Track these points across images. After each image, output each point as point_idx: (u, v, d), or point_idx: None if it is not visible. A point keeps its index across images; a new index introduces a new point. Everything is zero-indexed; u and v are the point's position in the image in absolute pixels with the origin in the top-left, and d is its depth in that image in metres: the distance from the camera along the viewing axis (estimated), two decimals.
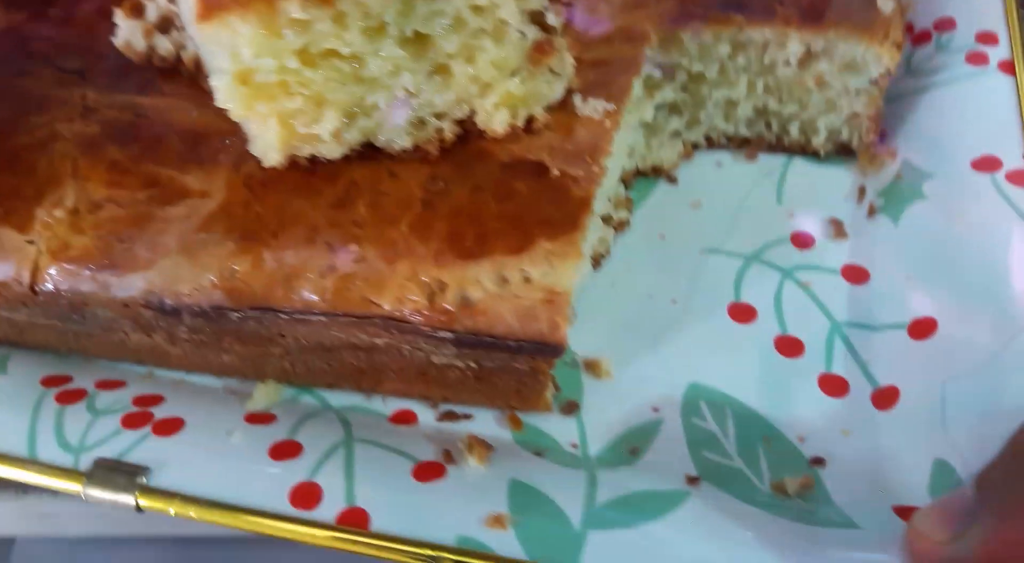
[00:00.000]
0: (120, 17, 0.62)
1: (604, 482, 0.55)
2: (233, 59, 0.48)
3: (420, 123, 0.55)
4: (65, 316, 0.59)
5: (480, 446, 0.55)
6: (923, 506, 0.51)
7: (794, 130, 0.72)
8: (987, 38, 0.72)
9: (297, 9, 0.46)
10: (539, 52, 0.54)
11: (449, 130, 0.56)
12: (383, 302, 0.53)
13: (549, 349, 0.52)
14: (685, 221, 0.71)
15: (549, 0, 0.52)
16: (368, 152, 0.56)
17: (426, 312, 0.53)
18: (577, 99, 0.58)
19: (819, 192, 0.72)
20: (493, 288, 0.52)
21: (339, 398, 0.63)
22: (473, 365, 0.56)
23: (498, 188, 0.55)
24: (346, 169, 0.56)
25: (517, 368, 0.56)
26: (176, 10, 0.62)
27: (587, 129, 0.58)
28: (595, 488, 0.54)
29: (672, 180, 0.73)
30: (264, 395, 0.61)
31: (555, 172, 0.55)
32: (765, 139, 0.74)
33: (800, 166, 0.74)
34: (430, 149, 0.56)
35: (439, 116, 0.55)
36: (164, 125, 0.59)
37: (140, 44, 0.61)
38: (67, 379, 0.62)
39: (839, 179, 0.72)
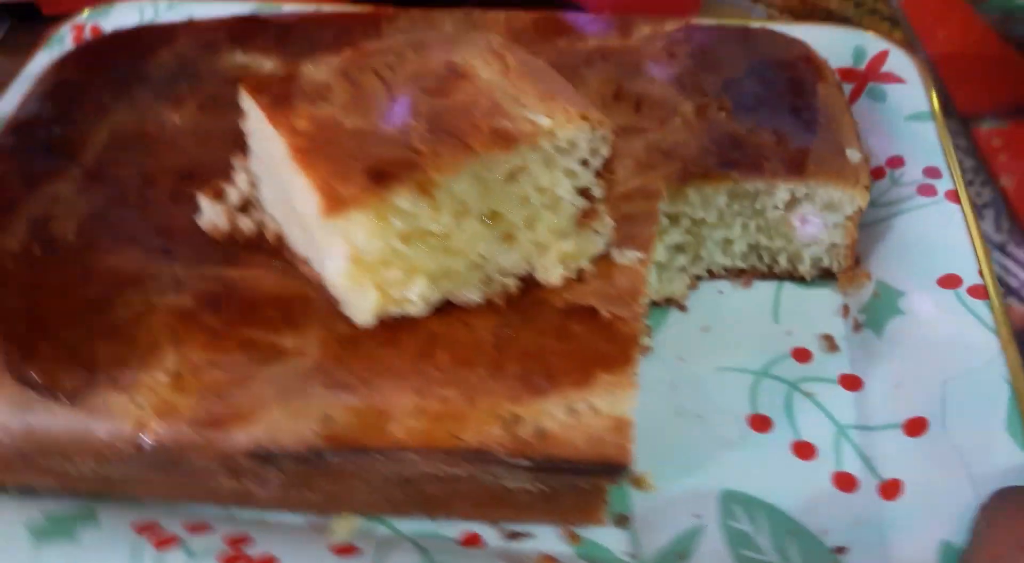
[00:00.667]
0: (204, 201, 0.73)
1: None
2: (347, 243, 0.60)
3: (489, 280, 0.68)
4: (161, 468, 0.68)
5: None
6: None
7: (783, 260, 0.88)
8: (932, 172, 0.90)
9: (405, 202, 0.59)
10: (586, 217, 0.68)
11: (512, 284, 0.69)
12: (467, 437, 0.64)
13: (616, 469, 0.64)
14: (698, 344, 0.84)
15: (595, 176, 0.67)
16: (443, 306, 0.68)
17: (507, 444, 0.64)
18: (614, 250, 0.72)
19: (810, 312, 0.87)
20: (564, 418, 0.64)
21: (408, 525, 0.72)
22: (542, 487, 0.67)
23: (558, 331, 0.67)
24: (424, 322, 0.67)
25: (581, 487, 0.67)
26: (256, 193, 0.74)
27: (624, 275, 0.71)
28: None
29: (683, 308, 0.87)
30: (343, 527, 0.71)
31: (605, 314, 0.68)
32: (758, 269, 0.89)
33: (790, 290, 0.89)
34: (497, 301, 0.68)
35: (504, 274, 0.68)
36: (253, 293, 0.69)
37: (223, 224, 0.73)
38: (156, 525, 0.70)
39: (826, 299, 0.88)
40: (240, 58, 0.92)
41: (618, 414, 0.64)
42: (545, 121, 0.63)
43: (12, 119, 0.86)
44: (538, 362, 0.66)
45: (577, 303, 0.69)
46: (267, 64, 0.91)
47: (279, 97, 0.66)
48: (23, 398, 0.65)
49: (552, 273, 0.68)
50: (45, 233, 0.74)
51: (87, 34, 1.03)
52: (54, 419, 0.65)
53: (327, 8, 1.03)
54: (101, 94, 0.87)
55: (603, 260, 0.71)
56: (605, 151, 0.66)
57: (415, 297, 0.65)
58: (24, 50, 1.01)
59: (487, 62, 0.69)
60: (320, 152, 0.62)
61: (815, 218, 0.85)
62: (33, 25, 1.15)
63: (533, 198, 0.65)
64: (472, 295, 0.68)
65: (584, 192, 0.67)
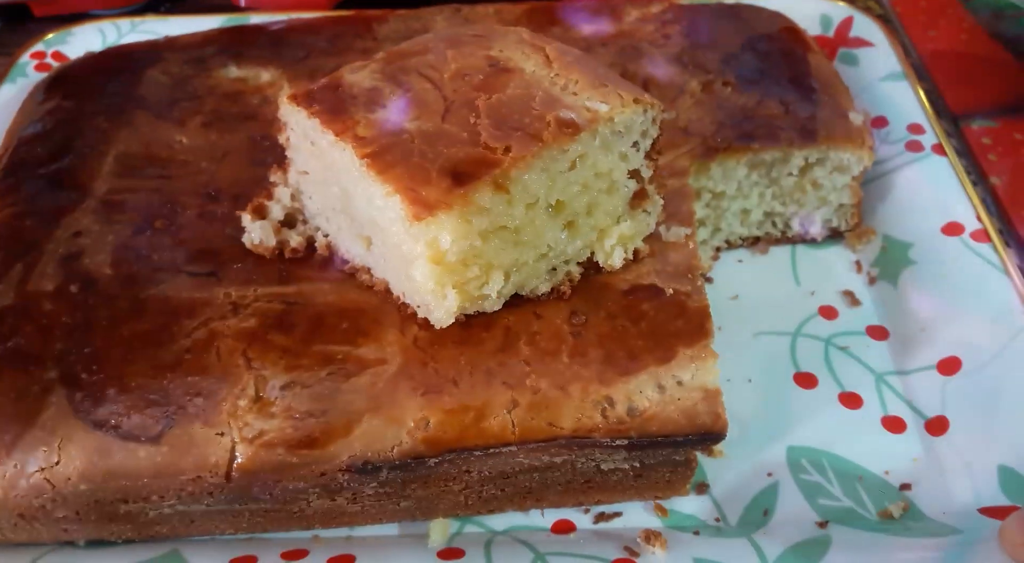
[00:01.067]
0: (247, 220, 0.72)
1: (763, 544, 0.69)
2: (431, 247, 0.60)
3: (554, 270, 0.70)
4: (248, 498, 0.67)
5: (656, 537, 0.69)
6: (1005, 507, 0.70)
7: (795, 224, 0.93)
8: (916, 129, 0.97)
9: (486, 200, 0.61)
10: (638, 198, 0.71)
11: (576, 272, 0.71)
12: (564, 424, 0.66)
13: (712, 438, 0.67)
14: (731, 312, 0.88)
15: (645, 158, 0.70)
16: (511, 300, 0.69)
17: (603, 426, 0.66)
18: (662, 229, 0.75)
19: (827, 271, 0.92)
20: (654, 395, 0.67)
21: (499, 521, 0.74)
22: (636, 465, 0.70)
23: (628, 311, 0.70)
24: (497, 318, 0.69)
25: (674, 460, 0.70)
26: (300, 206, 0.74)
27: (676, 251, 0.74)
28: (762, 550, 0.69)
29: (709, 280, 0.91)
30: (439, 531, 0.71)
31: (669, 291, 0.71)
32: (772, 235, 0.94)
33: (804, 252, 0.95)
34: (564, 290, 0.70)
35: (569, 261, 0.70)
36: (317, 307, 0.69)
37: (271, 241, 0.72)
38: (254, 559, 0.69)
39: (838, 257, 0.94)
40: (235, 71, 0.90)
41: (706, 385, 0.67)
42: (603, 107, 0.66)
43: (6, 157, 0.82)
44: (618, 344, 0.68)
45: (639, 283, 0.72)
46: (265, 75, 0.90)
47: (333, 106, 0.66)
48: (101, 444, 0.63)
49: (614, 256, 0.71)
50: (79, 270, 0.72)
51: (49, 60, 0.99)
52: (137, 460, 0.64)
53: (303, 18, 1.02)
54: (96, 120, 0.84)
55: (652, 239, 0.74)
56: (654, 132, 0.69)
57: (492, 293, 0.66)
58: (14, 51, 1.01)
59: (526, 54, 0.71)
60: (392, 157, 0.62)
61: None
62: (24, 26, 1.14)
63: (592, 184, 0.67)
64: (541, 286, 0.69)
65: (634, 174, 0.70)
